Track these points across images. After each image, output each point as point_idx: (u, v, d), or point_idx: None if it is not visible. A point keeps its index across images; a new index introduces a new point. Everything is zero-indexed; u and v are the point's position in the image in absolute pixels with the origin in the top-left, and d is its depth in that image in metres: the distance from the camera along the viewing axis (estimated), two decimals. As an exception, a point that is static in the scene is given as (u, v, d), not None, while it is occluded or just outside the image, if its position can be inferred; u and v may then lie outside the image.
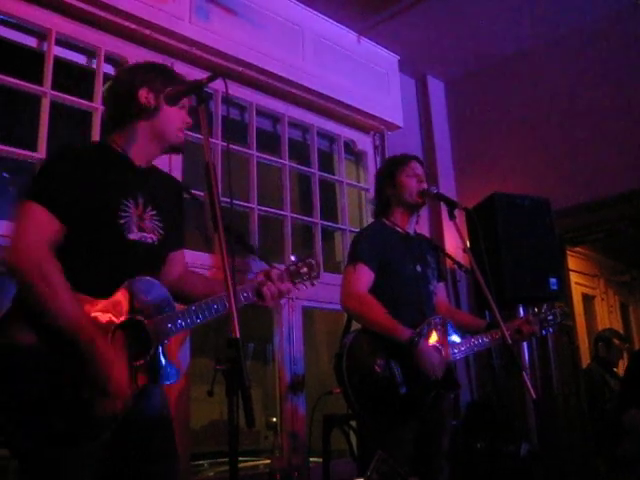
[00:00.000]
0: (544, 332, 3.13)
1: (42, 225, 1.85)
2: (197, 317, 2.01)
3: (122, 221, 1.99)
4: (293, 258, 2.28)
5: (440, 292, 3.22)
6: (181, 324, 1.99)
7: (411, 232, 3.13)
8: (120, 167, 2.07)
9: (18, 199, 1.91)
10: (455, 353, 2.89)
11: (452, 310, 3.28)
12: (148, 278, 2.02)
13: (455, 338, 2.94)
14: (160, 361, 1.96)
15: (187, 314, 2.00)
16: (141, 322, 1.93)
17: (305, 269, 2.30)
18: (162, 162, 3.57)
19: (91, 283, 1.86)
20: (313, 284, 2.33)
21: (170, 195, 2.26)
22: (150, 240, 2.06)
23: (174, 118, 2.12)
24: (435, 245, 3.37)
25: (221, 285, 2.07)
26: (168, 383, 2.02)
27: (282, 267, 2.27)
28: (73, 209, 1.90)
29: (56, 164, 2.00)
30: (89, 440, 1.80)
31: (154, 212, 2.10)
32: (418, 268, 3.02)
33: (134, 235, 2.01)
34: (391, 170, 3.15)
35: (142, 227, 2.04)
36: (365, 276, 2.91)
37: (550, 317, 3.14)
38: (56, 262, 1.83)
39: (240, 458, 3.77)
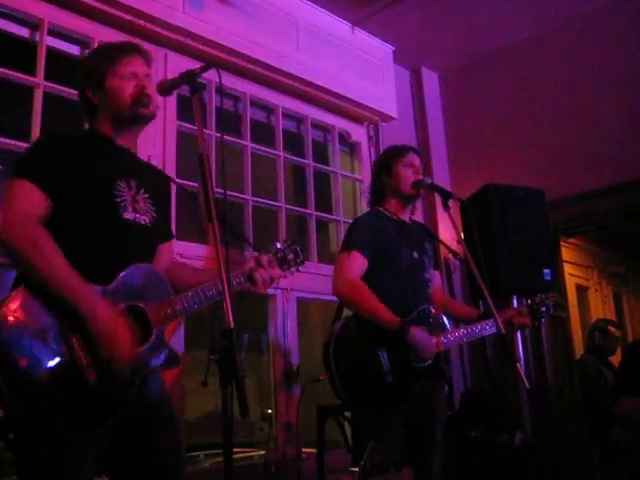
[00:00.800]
0: (536, 323, 3.14)
1: (28, 198, 1.87)
2: (194, 302, 2.03)
3: (118, 200, 2.02)
4: (279, 245, 2.29)
5: (436, 280, 3.23)
6: (179, 309, 2.01)
7: (406, 220, 3.14)
8: (109, 150, 2.10)
9: (6, 178, 1.93)
10: (444, 342, 2.90)
11: (446, 299, 3.29)
12: (145, 264, 2.04)
13: (446, 327, 2.96)
14: (161, 346, 1.98)
15: (185, 300, 2.02)
16: (141, 309, 1.94)
17: (291, 255, 2.31)
18: (156, 152, 3.58)
19: (86, 263, 1.85)
20: (299, 270, 2.34)
21: (160, 186, 2.27)
22: (143, 222, 2.08)
23: (123, 89, 2.09)
24: (432, 233, 3.37)
25: (209, 274, 2.14)
26: (170, 368, 2.04)
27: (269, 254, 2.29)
28: (62, 185, 1.91)
29: (43, 144, 2.04)
30: (92, 427, 1.80)
31: (146, 195, 2.13)
32: (415, 255, 3.03)
33: (129, 214, 2.03)
34: (388, 160, 3.16)
35: (136, 208, 2.07)
36: (359, 263, 2.92)
37: (543, 309, 3.15)
38: (45, 231, 1.84)
39: (235, 449, 3.78)
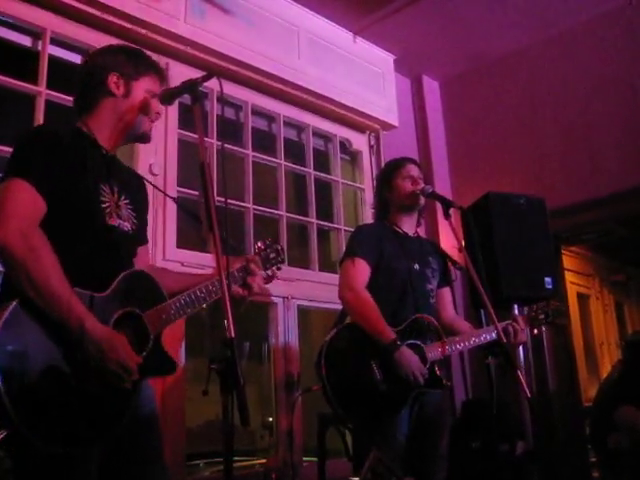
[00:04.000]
0: (535, 331, 3.15)
1: (28, 201, 1.81)
2: (188, 306, 2.04)
3: (103, 205, 1.98)
4: (260, 244, 2.31)
5: (445, 296, 3.23)
6: (174, 315, 2.01)
7: (410, 233, 3.15)
8: (92, 152, 2.04)
9: (3, 176, 1.87)
10: (448, 350, 2.89)
11: (453, 317, 3.25)
12: (139, 270, 2.03)
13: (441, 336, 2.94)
14: (159, 353, 1.98)
15: (179, 304, 2.02)
16: (138, 315, 1.93)
17: (273, 254, 2.34)
18: (157, 160, 3.59)
19: (71, 268, 1.80)
20: (279, 268, 2.37)
21: (139, 191, 2.25)
22: (126, 228, 2.06)
23: (146, 106, 2.09)
24: (439, 249, 3.35)
25: (191, 277, 2.19)
26: (168, 374, 2.03)
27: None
28: (55, 189, 1.86)
29: (36, 141, 1.95)
30: (97, 440, 1.79)
31: (127, 201, 2.10)
32: (416, 266, 3.04)
33: (114, 221, 2.01)
34: (388, 174, 3.21)
35: (119, 214, 2.04)
36: (364, 271, 2.96)
37: (542, 316, 3.15)
38: (45, 238, 1.79)
39: (236, 458, 3.76)
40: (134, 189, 2.20)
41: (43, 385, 1.70)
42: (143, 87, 2.10)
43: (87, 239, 1.93)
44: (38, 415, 1.67)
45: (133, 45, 2.28)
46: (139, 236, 2.17)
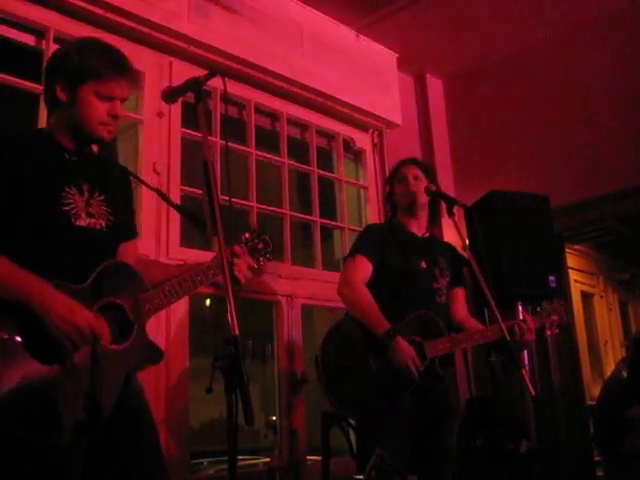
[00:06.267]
0: (548, 332, 3.13)
1: None
2: (172, 296, 2.03)
3: (66, 207, 1.94)
4: (247, 234, 2.28)
5: (458, 296, 3.22)
6: (158, 304, 2.00)
7: (419, 234, 3.16)
8: (57, 153, 2.01)
9: None
10: (440, 348, 2.87)
11: (465, 316, 3.23)
12: (118, 261, 2.02)
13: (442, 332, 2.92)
14: (144, 343, 1.97)
15: (162, 294, 2.01)
16: (121, 305, 1.92)
17: (261, 244, 2.29)
18: (161, 159, 3.59)
19: (41, 273, 1.80)
20: (269, 259, 2.33)
21: (117, 182, 2.20)
22: (99, 226, 2.02)
23: (93, 111, 1.99)
24: (456, 252, 3.33)
25: (179, 268, 2.20)
26: (154, 363, 2.03)
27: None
28: (11, 194, 1.85)
29: None
30: (79, 433, 1.77)
31: (102, 197, 2.06)
32: (422, 265, 3.06)
33: (82, 221, 1.97)
34: (390, 177, 3.32)
35: (91, 213, 2.00)
36: (363, 267, 2.99)
37: (555, 317, 3.13)
38: None
39: (240, 456, 3.77)
40: (112, 184, 2.15)
41: (17, 373, 1.70)
42: (90, 91, 1.98)
43: (54, 243, 1.91)
44: (17, 404, 1.67)
45: (100, 40, 2.14)
46: (118, 232, 2.13)
